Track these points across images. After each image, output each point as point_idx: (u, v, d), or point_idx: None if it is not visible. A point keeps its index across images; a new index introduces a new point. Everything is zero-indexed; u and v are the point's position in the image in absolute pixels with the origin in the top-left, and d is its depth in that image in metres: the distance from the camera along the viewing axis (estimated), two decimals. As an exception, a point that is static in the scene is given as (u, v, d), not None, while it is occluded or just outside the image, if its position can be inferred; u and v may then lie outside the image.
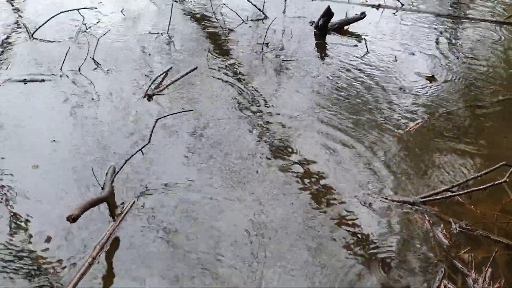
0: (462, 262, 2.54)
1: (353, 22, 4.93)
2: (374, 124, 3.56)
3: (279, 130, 3.48)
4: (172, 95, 3.85)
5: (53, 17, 4.69)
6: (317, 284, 2.43)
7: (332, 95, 3.90)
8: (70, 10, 4.85)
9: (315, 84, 4.05)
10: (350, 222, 2.78)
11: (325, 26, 4.78)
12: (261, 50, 4.51)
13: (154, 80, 3.90)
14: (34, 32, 4.57)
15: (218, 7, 5.10)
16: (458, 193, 2.86)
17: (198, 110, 3.63)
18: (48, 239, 2.59)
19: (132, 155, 2.98)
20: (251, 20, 5.06)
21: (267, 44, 4.58)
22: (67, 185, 2.95)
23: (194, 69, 4.16)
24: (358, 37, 4.80)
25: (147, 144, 3.04)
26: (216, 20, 4.95)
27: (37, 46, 4.47)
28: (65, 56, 4.08)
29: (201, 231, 2.68)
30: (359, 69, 4.26)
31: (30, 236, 2.63)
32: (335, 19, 4.84)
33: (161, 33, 4.72)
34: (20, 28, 4.75)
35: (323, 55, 4.56)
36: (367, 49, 4.52)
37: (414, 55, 4.50)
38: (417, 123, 3.58)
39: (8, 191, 2.90)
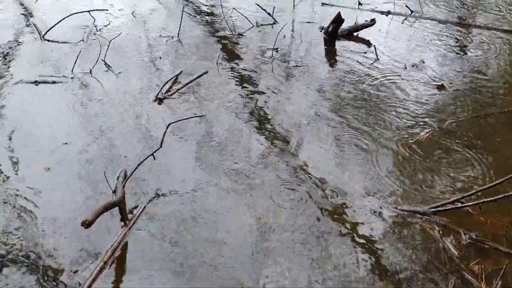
0: (472, 273, 2.55)
1: (363, 28, 4.94)
2: (383, 132, 3.57)
3: (286, 136, 3.49)
4: (182, 99, 3.87)
5: (64, 18, 4.71)
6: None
7: (340, 102, 3.91)
8: (81, 12, 4.87)
9: (324, 90, 4.06)
10: (358, 231, 2.79)
11: (335, 32, 4.79)
12: (271, 56, 4.52)
13: (165, 84, 3.92)
14: (45, 33, 4.60)
15: (228, 12, 5.11)
16: (468, 204, 2.87)
17: (204, 114, 3.64)
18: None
19: (144, 160, 3.00)
20: (261, 24, 5.07)
21: (276, 49, 4.60)
22: (78, 188, 2.97)
23: (205, 73, 4.17)
24: (368, 44, 4.81)
25: (159, 148, 3.06)
26: (226, 25, 4.97)
27: (48, 47, 4.49)
28: (76, 58, 4.10)
29: (206, 237, 2.69)
30: (369, 76, 4.27)
31: (41, 238, 2.65)
32: (344, 25, 4.85)
33: (172, 37, 4.74)
34: (31, 28, 4.78)
35: (332, 61, 4.57)
36: (376, 56, 4.53)
37: (423, 63, 4.50)
38: (427, 132, 3.59)
39: (19, 192, 2.93)
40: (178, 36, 4.73)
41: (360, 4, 5.51)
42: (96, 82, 3.99)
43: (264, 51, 4.62)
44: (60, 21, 4.68)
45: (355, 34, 4.97)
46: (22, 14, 5.10)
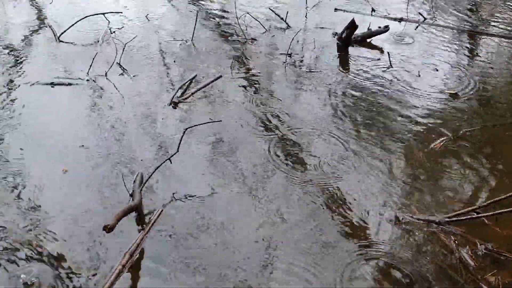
0: (488, 285, 2.55)
1: (377, 35, 4.94)
2: (397, 141, 3.58)
3: (298, 142, 3.50)
4: (197, 103, 3.89)
5: (79, 20, 4.75)
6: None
7: (354, 108, 3.92)
8: (96, 14, 4.91)
9: (336, 96, 4.07)
10: (373, 240, 2.79)
11: (348, 38, 4.80)
12: (284, 61, 4.53)
13: (179, 88, 3.94)
14: (60, 35, 4.63)
15: (241, 16, 5.12)
16: (484, 214, 2.87)
17: (218, 118, 3.65)
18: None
19: (161, 164, 3.02)
20: (274, 29, 5.09)
21: (290, 54, 4.61)
22: (94, 190, 3.00)
23: (219, 77, 4.19)
24: (381, 50, 4.81)
25: (176, 153, 3.08)
26: (239, 29, 4.98)
27: (63, 49, 4.52)
28: (92, 61, 4.13)
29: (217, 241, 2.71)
30: (382, 83, 4.27)
31: (58, 241, 2.68)
32: (358, 31, 4.85)
33: (185, 41, 4.76)
34: (46, 29, 4.81)
35: (346, 67, 4.57)
36: (390, 63, 4.53)
37: (437, 70, 4.51)
38: (442, 141, 3.59)
39: (36, 194, 2.96)
40: (191, 40, 4.75)
41: (373, 10, 5.52)
42: (111, 85, 4.02)
43: (277, 56, 4.63)
44: (75, 23, 4.71)
45: (368, 40, 4.97)
46: (36, 15, 5.13)
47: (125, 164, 3.21)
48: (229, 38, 4.90)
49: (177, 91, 3.92)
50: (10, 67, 4.18)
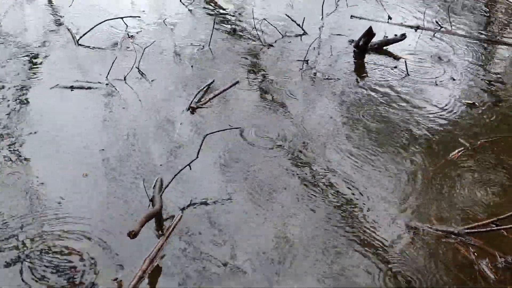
0: (509, 298, 2.54)
1: (393, 43, 4.94)
2: (414, 150, 3.57)
3: (313, 150, 3.51)
4: (214, 109, 3.91)
5: (98, 24, 4.79)
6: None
7: (370, 116, 3.92)
8: (115, 18, 4.95)
9: (353, 104, 4.08)
10: (391, 249, 2.79)
11: (365, 46, 4.81)
12: (301, 67, 4.55)
13: (197, 93, 3.97)
14: (79, 38, 4.67)
15: (258, 22, 5.15)
16: (504, 227, 2.86)
17: (235, 124, 3.67)
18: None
19: (181, 170, 3.04)
20: (291, 35, 5.10)
21: (307, 61, 4.63)
22: (114, 194, 3.02)
23: (236, 83, 4.22)
24: (397, 59, 4.81)
25: (195, 159, 3.10)
26: (256, 35, 5.01)
27: (82, 52, 4.57)
28: (112, 65, 4.17)
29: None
30: (399, 92, 4.27)
31: (79, 244, 2.70)
32: (374, 39, 4.86)
33: (202, 46, 4.78)
34: (65, 33, 4.85)
35: (363, 75, 4.58)
36: (407, 71, 4.53)
37: (454, 80, 4.50)
38: (459, 151, 3.58)
39: (56, 198, 2.99)
40: (209, 46, 4.78)
41: (389, 18, 5.52)
42: (131, 89, 4.05)
43: (294, 62, 4.65)
44: (94, 27, 4.76)
45: (384, 48, 4.97)
46: (55, 18, 5.19)
47: (144, 169, 3.23)
48: (246, 43, 4.93)
49: (195, 96, 3.95)
50: (30, 70, 4.23)
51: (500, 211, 3.05)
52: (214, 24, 4.95)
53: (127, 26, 4.97)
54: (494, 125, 3.92)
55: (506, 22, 5.81)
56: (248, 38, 5.02)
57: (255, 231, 2.83)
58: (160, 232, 2.78)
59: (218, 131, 3.38)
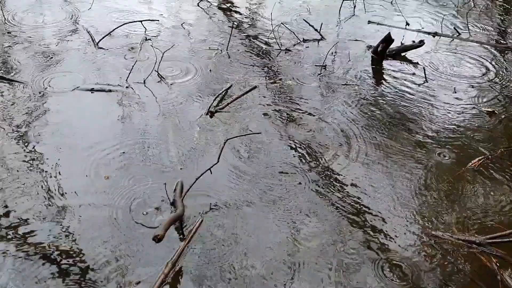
0: (532, 310, 2.52)
1: (411, 49, 4.93)
2: (434, 159, 3.55)
3: (330, 158, 3.51)
4: (232, 113, 3.92)
5: (118, 27, 4.83)
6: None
7: (389, 123, 3.91)
8: (134, 22, 4.99)
9: (372, 110, 4.07)
10: (412, 259, 2.78)
11: (383, 52, 4.80)
12: (319, 72, 4.55)
13: (216, 97, 3.98)
14: (99, 41, 4.71)
15: (276, 27, 5.16)
16: (527, 237, 2.84)
17: (254, 130, 3.68)
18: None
19: (202, 174, 3.06)
20: (308, 40, 5.10)
21: (325, 66, 4.62)
22: (135, 197, 3.04)
23: (254, 88, 4.23)
24: (415, 65, 4.80)
25: (216, 163, 3.11)
26: (274, 39, 5.02)
27: (101, 55, 4.60)
28: (132, 68, 4.20)
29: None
30: (418, 98, 4.26)
31: (101, 248, 2.72)
32: (392, 45, 4.85)
33: (220, 50, 4.80)
34: (84, 35, 4.89)
35: (381, 81, 4.57)
36: (425, 78, 4.52)
37: (473, 87, 4.47)
38: (479, 160, 3.56)
39: (77, 201, 3.02)
40: (226, 50, 4.80)
41: (407, 24, 5.50)
42: (150, 92, 4.08)
43: (312, 67, 4.65)
44: (113, 30, 4.80)
45: (402, 54, 4.96)
46: (75, 20, 5.23)
47: (164, 172, 3.25)
48: (264, 48, 4.94)
49: (214, 100, 3.96)
50: (50, 72, 4.27)
51: (521, 221, 3.04)
52: (232, 29, 4.97)
53: (145, 29, 5.00)
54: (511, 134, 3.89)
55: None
56: (266, 42, 5.03)
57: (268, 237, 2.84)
58: (181, 236, 2.80)
59: (239, 136, 3.39)
